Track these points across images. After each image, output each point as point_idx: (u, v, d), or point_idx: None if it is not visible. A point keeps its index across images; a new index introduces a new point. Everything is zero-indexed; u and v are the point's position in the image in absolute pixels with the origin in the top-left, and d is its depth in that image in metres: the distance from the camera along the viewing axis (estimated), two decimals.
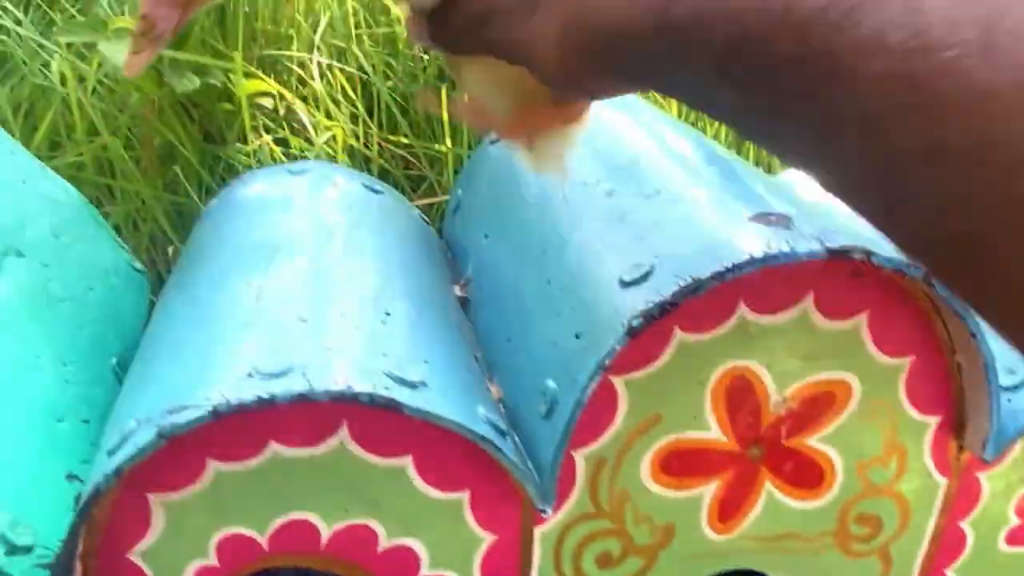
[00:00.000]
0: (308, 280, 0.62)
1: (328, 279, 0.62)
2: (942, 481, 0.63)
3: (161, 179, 1.36)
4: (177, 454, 0.50)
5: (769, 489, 0.60)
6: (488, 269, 0.73)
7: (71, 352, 0.65)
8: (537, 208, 0.68)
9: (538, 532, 0.57)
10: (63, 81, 1.30)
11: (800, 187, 0.87)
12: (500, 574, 0.58)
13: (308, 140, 1.52)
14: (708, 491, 0.59)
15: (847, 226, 0.54)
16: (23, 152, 0.78)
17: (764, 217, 0.54)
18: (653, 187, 0.61)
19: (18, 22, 1.45)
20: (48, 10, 1.60)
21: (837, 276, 0.54)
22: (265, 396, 0.47)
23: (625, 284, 0.53)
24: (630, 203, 0.61)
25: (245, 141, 1.49)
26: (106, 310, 0.73)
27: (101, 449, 0.53)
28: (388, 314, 0.60)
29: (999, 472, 0.64)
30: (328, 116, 1.51)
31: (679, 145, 0.68)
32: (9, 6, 1.50)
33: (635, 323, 0.50)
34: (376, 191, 0.84)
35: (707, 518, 0.60)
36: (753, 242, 0.50)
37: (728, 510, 0.60)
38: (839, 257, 0.50)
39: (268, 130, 1.48)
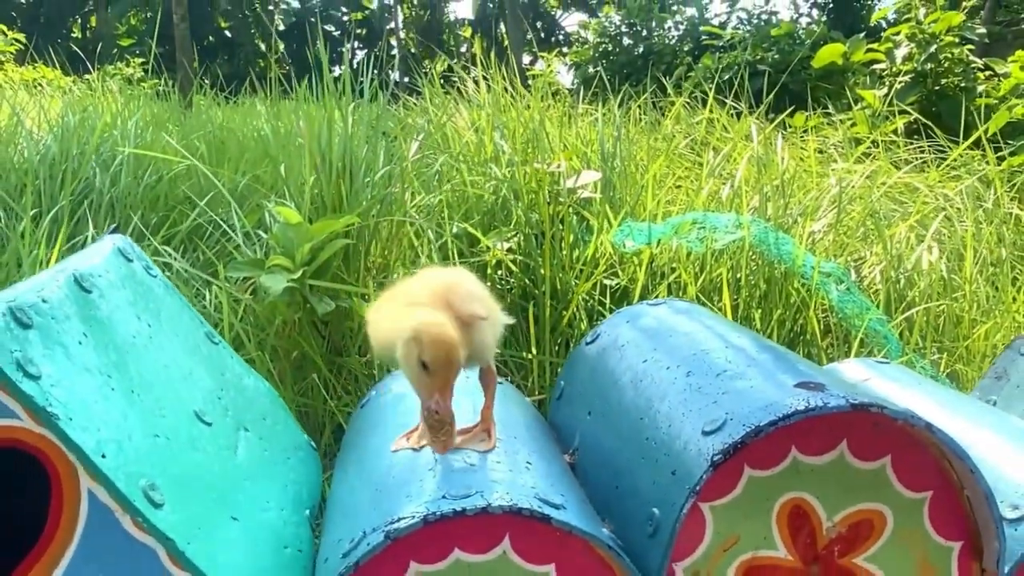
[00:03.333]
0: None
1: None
2: None
3: (295, 385, 1.62)
4: (390, 557, 0.69)
5: None
6: (593, 438, 0.94)
7: (284, 501, 0.86)
8: (631, 388, 0.90)
9: None
10: (220, 307, 1.59)
11: (846, 372, 1.08)
12: None
13: None
14: None
15: (871, 391, 0.74)
16: (236, 356, 1.04)
17: (805, 384, 0.75)
18: (721, 368, 0.83)
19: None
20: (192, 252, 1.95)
21: (863, 426, 0.74)
22: (458, 509, 0.68)
23: (706, 433, 0.73)
24: (704, 380, 0.82)
25: (361, 353, 1.76)
26: (300, 474, 0.95)
27: (329, 555, 0.72)
28: (529, 463, 0.80)
29: None
30: None
31: (738, 339, 0.91)
32: (169, 249, 1.85)
33: (716, 458, 0.70)
34: (499, 382, 1.07)
35: None
36: (797, 400, 0.71)
37: None
38: (860, 409, 0.70)
39: None
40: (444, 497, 0.70)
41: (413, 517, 0.68)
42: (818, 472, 0.74)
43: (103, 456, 0.61)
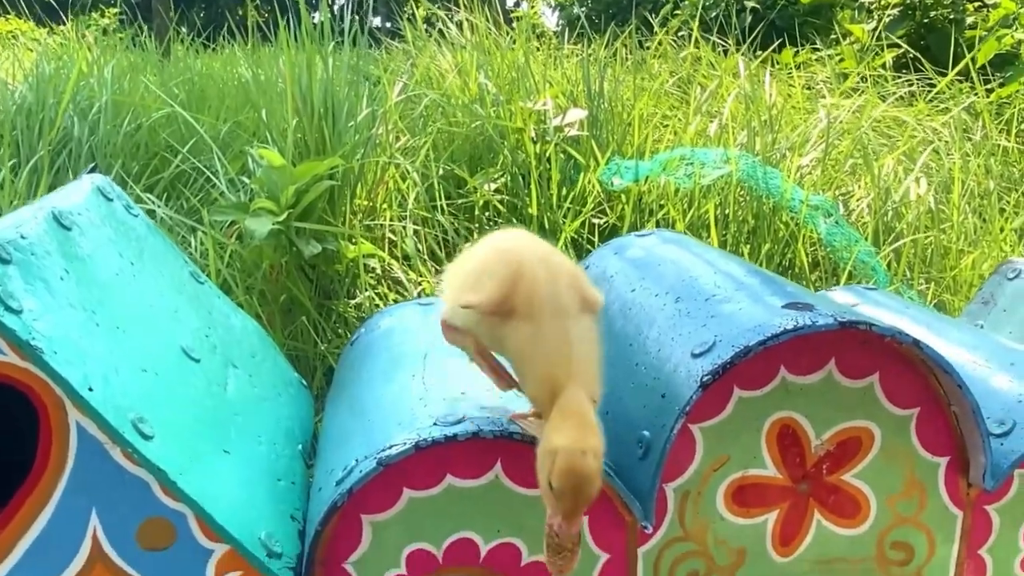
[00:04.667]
0: (456, 370, 0.83)
1: (470, 371, 0.84)
2: (958, 514, 0.79)
3: (284, 329, 1.62)
4: (383, 483, 0.69)
5: (818, 518, 0.77)
6: None
7: (276, 436, 0.86)
8: (620, 317, 0.90)
9: (641, 552, 0.75)
10: (206, 253, 1.58)
11: (835, 299, 1.08)
12: None
13: (402, 294, 1.77)
14: (770, 519, 0.76)
15: (859, 312, 0.74)
16: (223, 296, 1.03)
17: (794, 305, 0.75)
18: (710, 292, 0.83)
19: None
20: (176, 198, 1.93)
21: (851, 344, 0.74)
22: (449, 435, 0.68)
23: (695, 355, 0.73)
24: (692, 305, 0.82)
25: (350, 296, 1.75)
26: (291, 410, 0.95)
27: (323, 485, 0.73)
28: (519, 393, 0.80)
29: (1004, 506, 0.80)
30: (419, 273, 1.78)
31: (726, 265, 0.90)
32: (153, 196, 1.82)
33: (705, 379, 0.70)
34: None
35: (771, 542, 0.77)
36: (786, 320, 0.71)
37: (787, 536, 0.77)
38: (848, 327, 0.70)
39: (370, 286, 1.74)
40: (435, 424, 0.70)
41: (405, 444, 0.68)
42: (807, 391, 0.75)
43: (90, 389, 0.61)
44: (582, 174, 1.94)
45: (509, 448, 0.70)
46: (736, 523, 0.76)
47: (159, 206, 1.75)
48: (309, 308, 1.61)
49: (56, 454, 0.63)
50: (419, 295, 1.74)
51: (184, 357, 0.80)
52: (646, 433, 0.73)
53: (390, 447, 0.68)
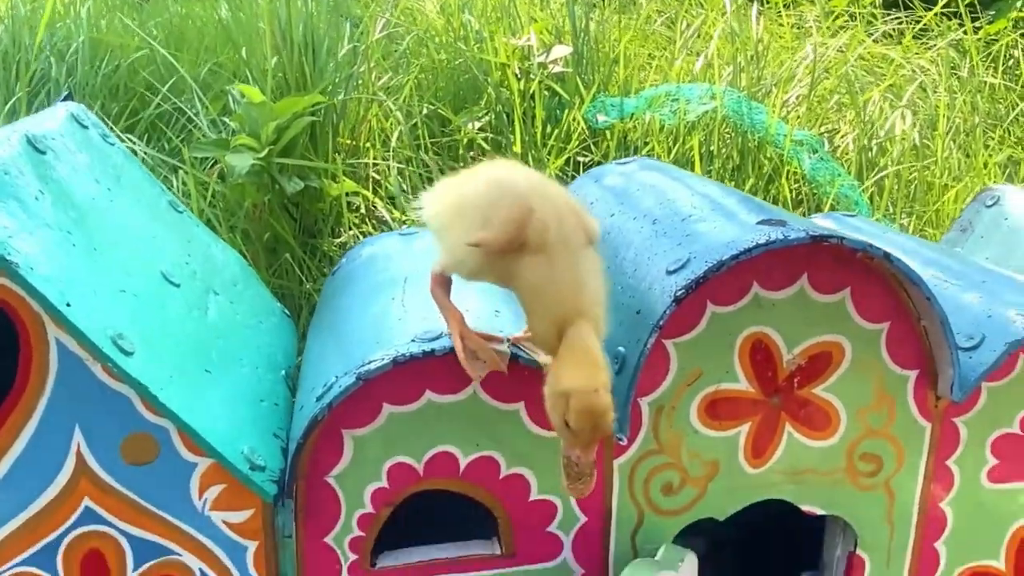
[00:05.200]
0: None
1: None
2: (926, 425, 0.81)
3: (269, 268, 1.62)
4: (363, 399, 0.71)
5: (789, 430, 0.79)
6: None
7: (258, 360, 0.88)
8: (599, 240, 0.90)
9: (616, 464, 0.77)
10: (188, 192, 1.58)
11: (817, 221, 1.09)
12: (590, 498, 0.77)
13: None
14: (743, 431, 0.78)
15: (833, 229, 0.75)
16: (203, 226, 1.03)
17: (767, 222, 0.75)
18: (687, 213, 0.83)
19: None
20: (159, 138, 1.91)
21: (823, 260, 0.75)
22: (427, 350, 0.69)
23: (670, 272, 0.74)
24: (669, 226, 0.83)
25: (334, 235, 1.75)
26: (273, 337, 0.96)
27: (305, 403, 0.74)
28: (497, 312, 0.81)
29: (972, 418, 0.82)
30: (403, 212, 1.78)
31: (704, 188, 0.91)
32: (133, 136, 1.81)
33: (679, 294, 0.71)
34: None
35: (743, 454, 0.79)
36: (758, 235, 0.72)
37: (759, 448, 0.79)
38: (819, 241, 0.71)
39: (354, 225, 1.74)
40: (413, 340, 0.71)
41: (383, 359, 0.69)
42: (779, 306, 0.76)
43: (68, 305, 0.62)
44: (567, 112, 1.93)
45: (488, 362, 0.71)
46: (709, 436, 0.78)
47: (140, 146, 1.73)
48: (293, 246, 1.61)
49: (37, 370, 0.64)
50: None
51: (164, 281, 0.80)
52: (621, 349, 0.75)
53: (369, 362, 0.69)
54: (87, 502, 0.67)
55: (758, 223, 0.75)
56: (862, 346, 0.78)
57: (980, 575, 0.87)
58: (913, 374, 0.80)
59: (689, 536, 0.81)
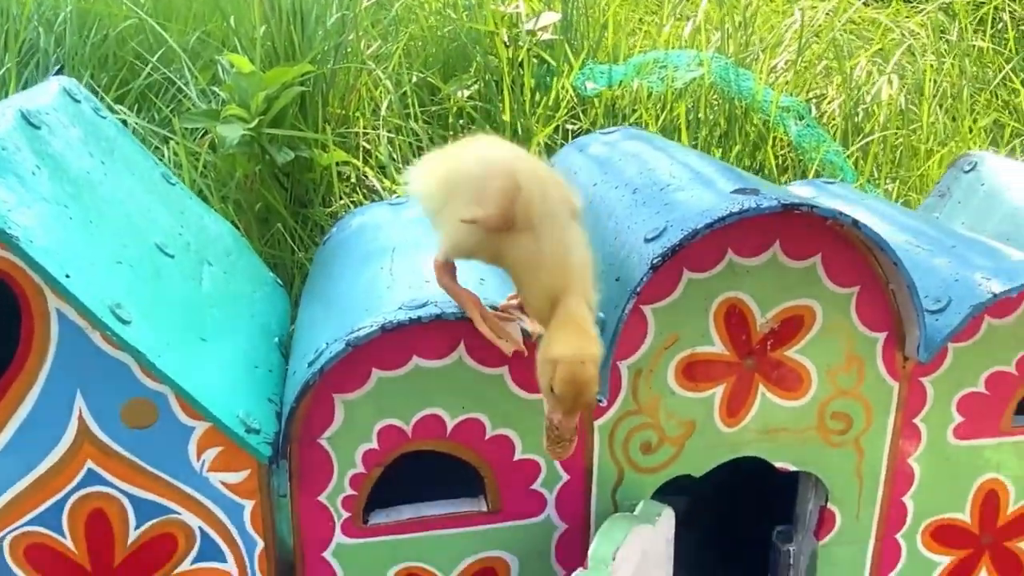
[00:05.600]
0: (424, 264, 0.87)
1: None
2: (894, 385, 0.85)
3: (261, 238, 1.64)
4: (353, 364, 0.74)
5: (762, 391, 0.82)
6: None
7: (252, 329, 0.90)
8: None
9: (597, 425, 0.80)
10: (180, 163, 1.59)
11: (796, 189, 1.12)
12: (573, 457, 0.80)
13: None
14: (718, 392, 0.81)
15: (805, 198, 0.78)
16: (195, 198, 1.05)
17: (742, 191, 0.78)
18: (665, 183, 0.86)
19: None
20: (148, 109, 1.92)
21: (794, 227, 0.78)
22: (414, 317, 0.72)
23: (647, 240, 0.77)
24: (648, 195, 0.85)
25: (325, 204, 1.77)
26: (267, 305, 0.99)
27: (297, 369, 0.77)
28: (483, 279, 0.84)
29: (938, 377, 0.86)
30: (394, 181, 1.79)
31: (685, 157, 0.93)
32: (123, 107, 1.82)
33: (656, 261, 0.74)
34: None
35: (719, 414, 0.82)
36: (732, 204, 0.75)
37: (733, 408, 0.82)
38: (791, 209, 0.74)
39: (344, 194, 1.76)
40: (401, 308, 0.74)
41: (372, 326, 0.72)
42: (753, 272, 0.79)
43: (67, 276, 0.64)
44: (555, 79, 1.94)
45: (472, 330, 0.74)
46: (686, 397, 0.81)
47: (130, 117, 1.74)
48: (285, 216, 1.63)
49: (39, 339, 0.67)
50: None
51: (158, 252, 0.83)
52: (601, 314, 0.78)
53: (358, 329, 0.72)
54: (90, 464, 0.70)
55: (732, 192, 0.78)
56: (833, 310, 0.81)
57: (946, 527, 0.91)
58: (882, 336, 0.83)
59: (670, 496, 0.84)
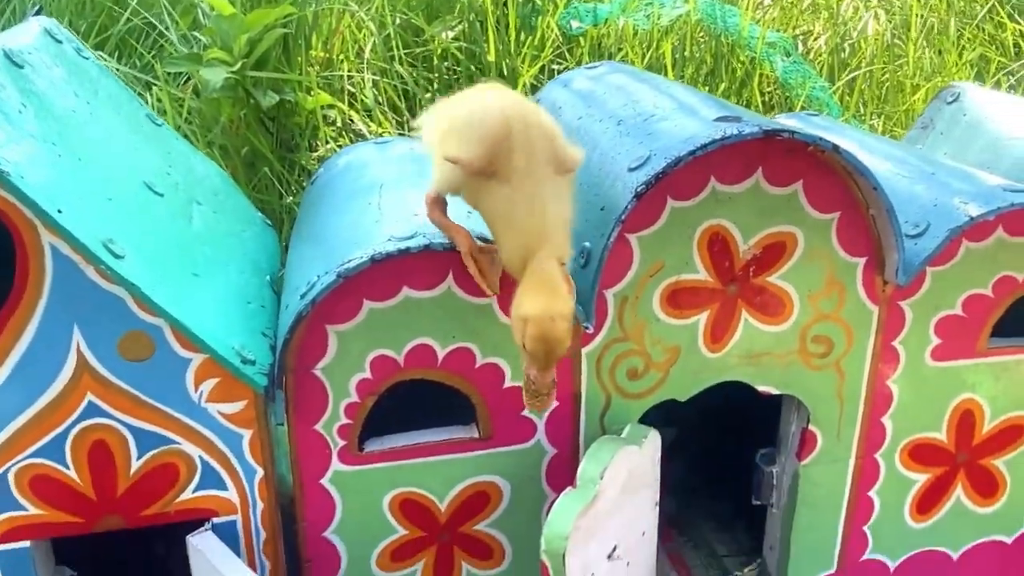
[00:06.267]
0: (412, 199, 0.88)
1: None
2: (874, 309, 0.87)
3: (248, 182, 1.64)
4: (344, 295, 0.75)
5: (745, 317, 0.84)
6: None
7: (243, 265, 0.91)
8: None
9: (584, 351, 0.82)
10: (164, 108, 1.58)
11: (780, 119, 1.12)
12: (560, 383, 0.82)
13: None
14: (702, 319, 0.83)
15: (787, 125, 0.79)
16: (181, 139, 1.05)
17: (724, 119, 0.79)
18: (649, 113, 0.86)
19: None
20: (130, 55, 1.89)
21: (776, 154, 0.79)
22: (403, 248, 0.73)
23: (631, 169, 0.78)
24: (632, 126, 0.86)
25: (311, 148, 1.77)
26: (257, 244, 1.00)
27: (290, 303, 0.78)
28: (470, 211, 0.85)
29: (917, 301, 0.88)
30: (379, 124, 1.79)
31: (669, 88, 0.94)
32: (104, 53, 1.79)
33: (640, 189, 0.75)
34: None
35: (703, 339, 0.84)
36: (714, 131, 0.76)
37: (717, 333, 0.84)
38: (772, 135, 0.75)
39: (331, 138, 1.76)
40: (389, 239, 0.75)
41: (361, 258, 0.73)
42: (735, 200, 0.80)
43: (59, 211, 0.65)
44: (540, 19, 1.92)
45: (460, 259, 0.76)
46: (670, 323, 0.83)
47: (111, 63, 1.72)
48: (271, 160, 1.63)
49: (34, 274, 0.68)
50: None
51: (147, 190, 0.83)
52: (587, 244, 0.79)
53: (348, 262, 0.74)
54: (90, 397, 0.72)
55: (715, 120, 0.79)
56: (814, 235, 0.83)
57: (923, 446, 0.94)
58: (862, 261, 0.85)
59: (661, 426, 0.87)
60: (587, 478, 0.76)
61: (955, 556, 1.00)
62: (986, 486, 0.97)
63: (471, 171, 0.69)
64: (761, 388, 0.88)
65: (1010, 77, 2.11)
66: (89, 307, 0.69)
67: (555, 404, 0.84)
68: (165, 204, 0.84)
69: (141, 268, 0.70)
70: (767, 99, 1.93)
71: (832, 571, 0.97)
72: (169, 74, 1.64)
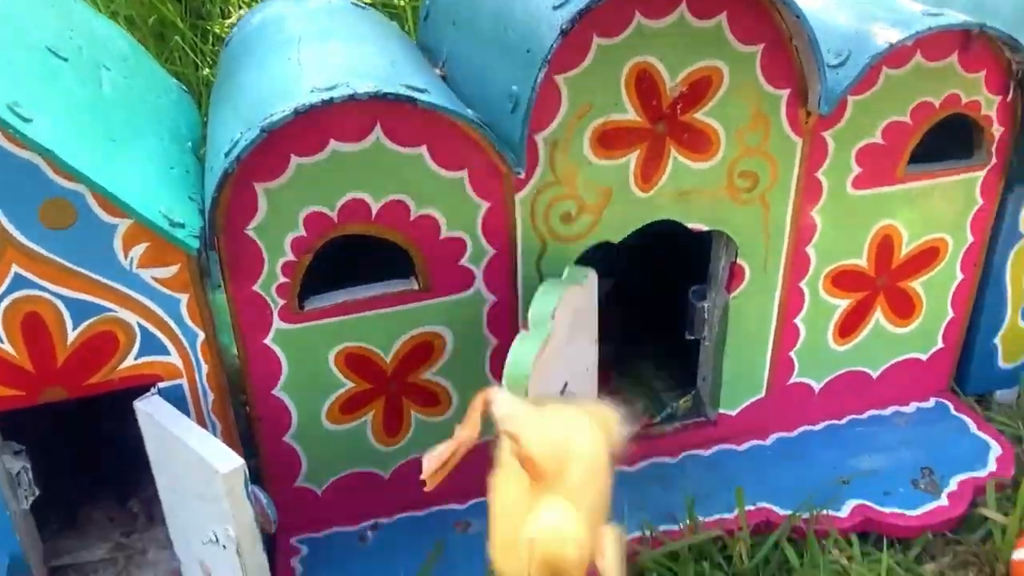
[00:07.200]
0: (333, 51, 0.85)
1: (346, 47, 0.86)
2: (797, 141, 0.89)
3: (160, 55, 1.56)
4: (269, 151, 0.74)
5: (674, 155, 0.85)
6: (457, 47, 0.96)
7: (161, 132, 0.88)
8: None
9: (517, 198, 0.83)
10: None
11: None
12: (495, 232, 0.83)
13: None
14: (632, 159, 0.84)
15: None
16: (82, 3, 0.99)
17: None
18: None
19: None
20: None
21: None
22: (327, 99, 0.72)
23: (555, 8, 0.76)
24: None
25: (224, 16, 1.68)
26: (175, 111, 0.96)
27: (214, 164, 0.76)
28: (394, 62, 0.83)
29: (839, 131, 0.90)
30: None
31: None
32: None
33: (565, 27, 0.74)
34: (362, 7, 1.07)
35: (634, 180, 0.85)
36: None
37: (647, 173, 0.86)
38: None
39: (244, 4, 1.67)
40: (312, 91, 0.73)
41: (285, 111, 0.71)
42: (661, 35, 0.79)
43: None
44: None
45: (387, 109, 0.74)
46: (601, 165, 0.84)
47: None
48: (182, 30, 1.55)
49: None
50: None
51: (51, 55, 0.79)
52: (514, 87, 0.78)
53: (271, 115, 0.72)
54: (16, 268, 0.70)
55: None
56: (739, 69, 0.83)
57: (846, 272, 0.98)
58: (785, 93, 0.86)
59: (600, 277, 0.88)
60: (539, 319, 0.77)
61: (875, 375, 1.07)
62: (904, 308, 1.03)
63: (520, 462, 0.64)
64: (691, 225, 0.90)
65: None
66: (3, 176, 0.67)
67: (492, 252, 0.85)
68: (71, 68, 0.80)
69: (52, 131, 0.67)
70: None
71: (761, 395, 1.02)
72: None
